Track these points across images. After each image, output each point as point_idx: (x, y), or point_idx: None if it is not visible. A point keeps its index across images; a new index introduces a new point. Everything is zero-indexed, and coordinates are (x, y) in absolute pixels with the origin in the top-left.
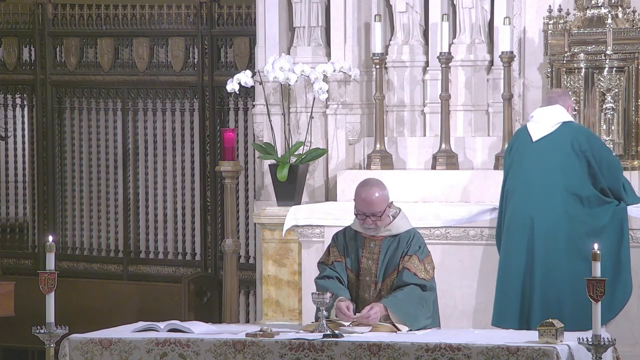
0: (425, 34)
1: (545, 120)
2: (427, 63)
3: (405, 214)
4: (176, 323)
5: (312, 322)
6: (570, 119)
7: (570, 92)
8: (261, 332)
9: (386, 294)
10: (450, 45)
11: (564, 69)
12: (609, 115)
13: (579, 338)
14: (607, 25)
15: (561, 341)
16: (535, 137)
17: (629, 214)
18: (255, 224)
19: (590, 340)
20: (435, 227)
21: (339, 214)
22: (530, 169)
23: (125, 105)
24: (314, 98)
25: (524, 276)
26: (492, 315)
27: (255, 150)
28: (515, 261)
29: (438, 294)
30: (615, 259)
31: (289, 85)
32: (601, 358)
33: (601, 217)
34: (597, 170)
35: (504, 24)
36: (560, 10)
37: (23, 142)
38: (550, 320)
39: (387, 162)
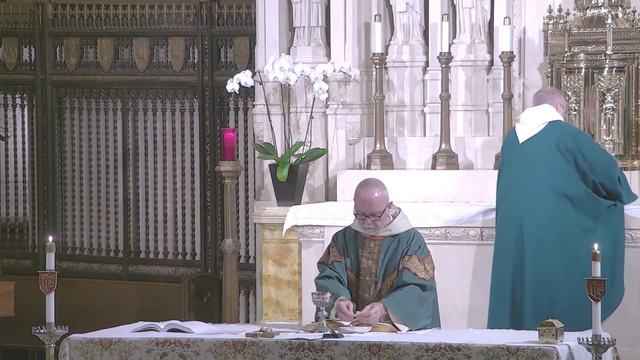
0: (425, 34)
1: (531, 121)
2: (427, 63)
3: (405, 214)
4: (176, 323)
5: (312, 322)
6: (557, 117)
7: (569, 92)
8: (261, 332)
9: (386, 293)
10: (450, 45)
11: (564, 69)
12: (609, 115)
13: (579, 338)
14: (607, 25)
15: (561, 341)
16: (521, 138)
17: (630, 214)
18: (255, 224)
19: (590, 340)
20: (435, 227)
21: (339, 214)
22: (518, 171)
23: (125, 105)
24: (314, 98)
25: (513, 278)
26: (487, 319)
27: (255, 150)
28: (505, 263)
29: (438, 294)
30: (609, 262)
31: (289, 85)
32: (601, 358)
33: (593, 218)
34: (586, 169)
35: (504, 24)
36: (560, 10)
37: (23, 142)
38: (550, 320)
39: (387, 162)
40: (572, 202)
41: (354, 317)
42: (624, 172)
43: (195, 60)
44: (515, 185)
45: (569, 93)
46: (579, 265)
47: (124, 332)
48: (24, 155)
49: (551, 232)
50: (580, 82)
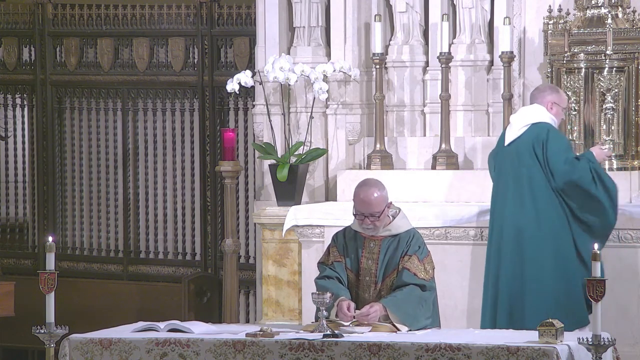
0: (425, 34)
1: (516, 123)
2: (427, 63)
3: (405, 214)
4: (176, 323)
5: (312, 322)
6: (542, 119)
7: (569, 92)
8: (261, 332)
9: (386, 293)
10: (450, 45)
11: (564, 69)
12: (609, 115)
13: (579, 338)
14: (607, 25)
15: (561, 341)
16: (507, 141)
17: (630, 214)
18: (255, 224)
19: (590, 340)
20: (435, 227)
21: (339, 214)
22: (503, 174)
23: (125, 105)
24: (314, 98)
25: (494, 279)
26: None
27: (255, 150)
28: (490, 265)
29: (438, 294)
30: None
31: (289, 85)
32: (601, 358)
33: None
34: (550, 176)
35: (504, 24)
36: (560, 10)
37: (23, 142)
38: (550, 320)
39: (387, 162)
40: (550, 206)
41: (354, 317)
42: (625, 171)
43: (195, 60)
44: (501, 187)
45: (569, 93)
46: (553, 269)
47: (124, 332)
48: (24, 155)
49: (529, 235)
50: (580, 82)
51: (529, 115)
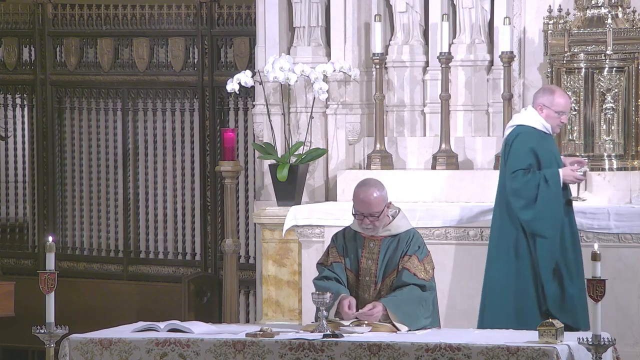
0: (425, 34)
1: (508, 124)
2: (427, 63)
3: (405, 214)
4: (176, 323)
5: (312, 322)
6: (528, 122)
7: (569, 92)
8: (261, 332)
9: (386, 293)
10: (450, 45)
11: (564, 69)
12: (609, 115)
13: (579, 338)
14: (607, 25)
15: (561, 341)
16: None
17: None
18: (255, 224)
19: (590, 340)
20: (435, 227)
21: (339, 214)
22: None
23: (125, 105)
24: (314, 98)
25: None
26: None
27: (255, 150)
28: None
29: (438, 294)
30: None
31: (289, 85)
32: (601, 358)
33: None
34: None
35: (504, 24)
36: (560, 10)
37: (23, 142)
38: (550, 320)
39: (387, 162)
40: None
41: (355, 315)
42: (625, 171)
43: (195, 60)
44: (498, 186)
45: (569, 93)
46: (510, 268)
47: (124, 332)
48: (24, 155)
49: (496, 238)
50: (580, 82)
51: (518, 117)
